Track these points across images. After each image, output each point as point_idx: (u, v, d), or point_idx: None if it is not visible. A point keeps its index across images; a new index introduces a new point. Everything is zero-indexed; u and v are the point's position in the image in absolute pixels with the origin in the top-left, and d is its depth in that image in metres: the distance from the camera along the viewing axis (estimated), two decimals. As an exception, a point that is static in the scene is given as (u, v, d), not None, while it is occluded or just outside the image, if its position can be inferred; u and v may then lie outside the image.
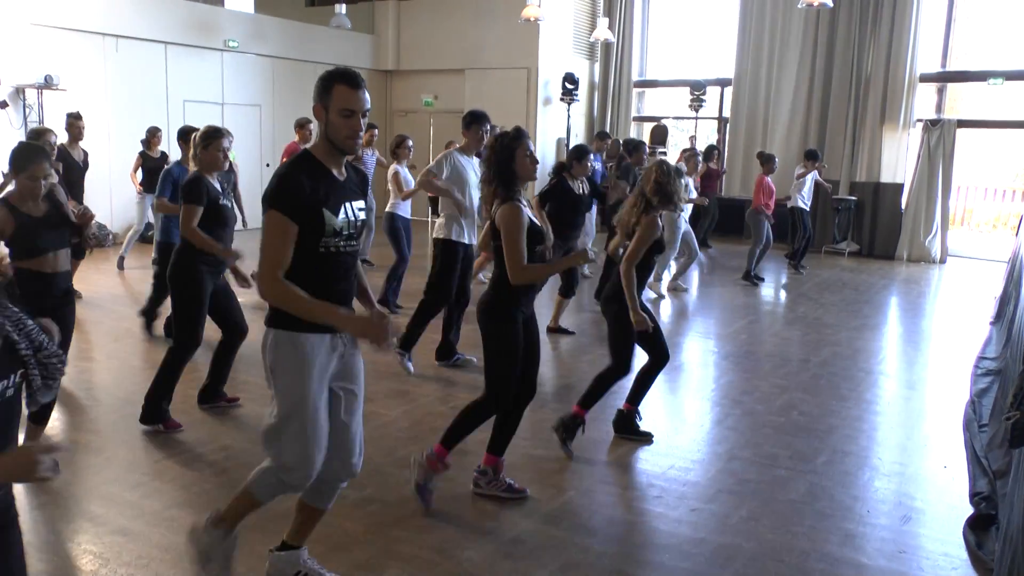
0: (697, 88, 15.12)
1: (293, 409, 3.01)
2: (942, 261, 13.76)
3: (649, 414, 5.79)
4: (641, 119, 16.96)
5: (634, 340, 4.93)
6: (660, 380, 6.20)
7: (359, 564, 3.54)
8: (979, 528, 3.93)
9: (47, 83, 11.33)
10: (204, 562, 3.25)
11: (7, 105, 11.21)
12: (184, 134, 6.81)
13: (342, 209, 2.99)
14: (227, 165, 5.33)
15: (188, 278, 4.97)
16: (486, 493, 4.24)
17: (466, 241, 6.42)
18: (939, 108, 14.33)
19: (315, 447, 3.04)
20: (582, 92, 16.20)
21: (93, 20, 12.13)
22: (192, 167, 5.20)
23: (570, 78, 15.47)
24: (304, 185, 2.90)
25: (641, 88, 16.97)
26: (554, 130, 16.08)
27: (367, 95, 2.98)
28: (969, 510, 4.17)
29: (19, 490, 4.20)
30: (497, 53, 15.79)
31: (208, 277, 5.02)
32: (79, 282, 9.31)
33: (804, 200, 11.89)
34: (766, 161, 11.23)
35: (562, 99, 15.57)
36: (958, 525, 4.05)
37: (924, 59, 13.83)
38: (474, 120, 6.39)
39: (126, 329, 7.57)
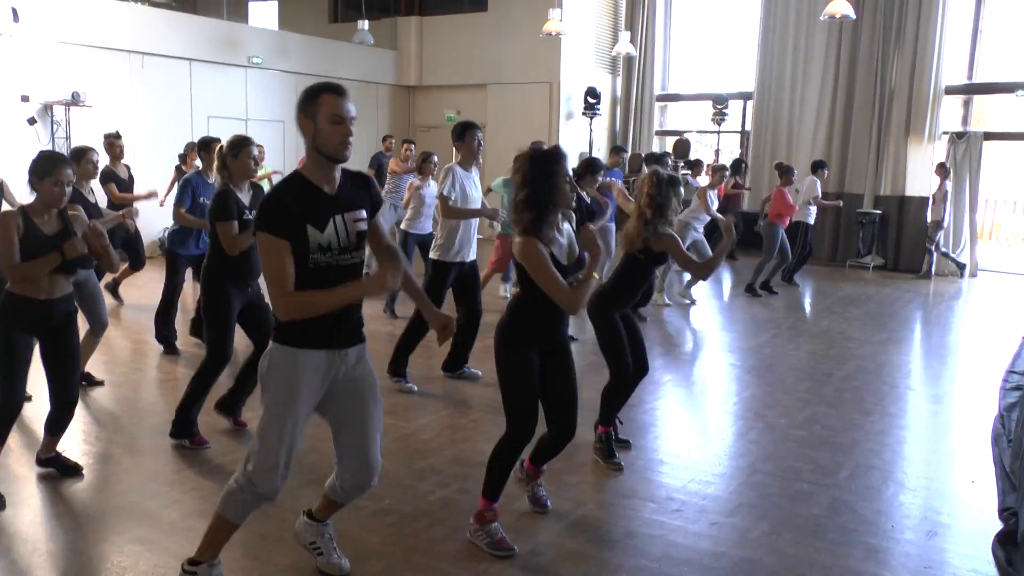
0: (719, 102, 15.08)
1: (273, 421, 3.09)
2: (971, 275, 13.57)
3: (670, 427, 5.75)
4: (663, 133, 16.93)
5: (625, 345, 4.76)
6: (681, 392, 6.15)
7: (375, 575, 3.52)
8: (1008, 544, 3.83)
9: (74, 100, 11.50)
10: None
11: (35, 122, 11.38)
12: (205, 144, 6.73)
13: (330, 223, 2.99)
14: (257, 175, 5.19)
15: (216, 294, 4.94)
16: (472, 540, 3.84)
17: (462, 260, 6.26)
18: (965, 120, 14.16)
19: (282, 463, 3.10)
20: (604, 106, 16.22)
21: (120, 38, 12.30)
22: (215, 178, 5.07)
23: (592, 92, 15.48)
24: (286, 204, 2.94)
25: (663, 102, 16.94)
26: (577, 145, 16.07)
27: (353, 107, 2.98)
28: (998, 525, 4.07)
29: (39, 496, 4.23)
30: (519, 68, 15.84)
31: (236, 293, 4.95)
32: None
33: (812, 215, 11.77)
34: (784, 172, 11.12)
35: (584, 113, 15.59)
36: (986, 540, 3.96)
37: (949, 71, 13.66)
38: (466, 129, 6.13)
39: (148, 342, 7.61)
